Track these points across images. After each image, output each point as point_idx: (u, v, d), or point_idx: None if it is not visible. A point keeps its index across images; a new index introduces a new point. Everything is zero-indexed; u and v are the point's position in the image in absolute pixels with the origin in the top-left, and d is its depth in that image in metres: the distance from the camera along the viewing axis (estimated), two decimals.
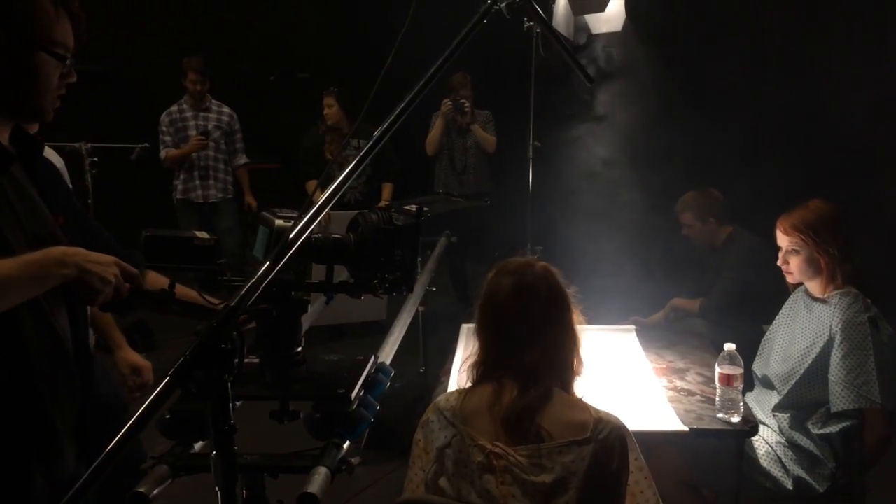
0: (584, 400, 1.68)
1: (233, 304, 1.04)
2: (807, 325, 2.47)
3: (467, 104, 5.22)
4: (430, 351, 3.96)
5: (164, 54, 5.51)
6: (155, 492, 1.28)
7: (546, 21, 1.59)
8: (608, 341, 2.87)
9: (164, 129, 5.27)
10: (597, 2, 2.41)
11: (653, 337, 3.03)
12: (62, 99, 1.49)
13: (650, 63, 3.55)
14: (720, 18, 5.43)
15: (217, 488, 1.08)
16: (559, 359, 1.68)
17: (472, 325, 1.83)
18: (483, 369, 1.73)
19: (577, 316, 1.74)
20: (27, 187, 1.48)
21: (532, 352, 1.65)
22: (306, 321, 1.59)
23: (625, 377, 2.51)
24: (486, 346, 1.73)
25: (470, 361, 1.77)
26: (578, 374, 1.73)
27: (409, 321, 2.39)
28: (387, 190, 5.28)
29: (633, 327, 3.00)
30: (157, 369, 4.92)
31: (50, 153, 2.27)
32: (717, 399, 2.25)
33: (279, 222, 1.43)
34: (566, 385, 1.69)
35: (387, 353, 2.00)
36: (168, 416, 1.39)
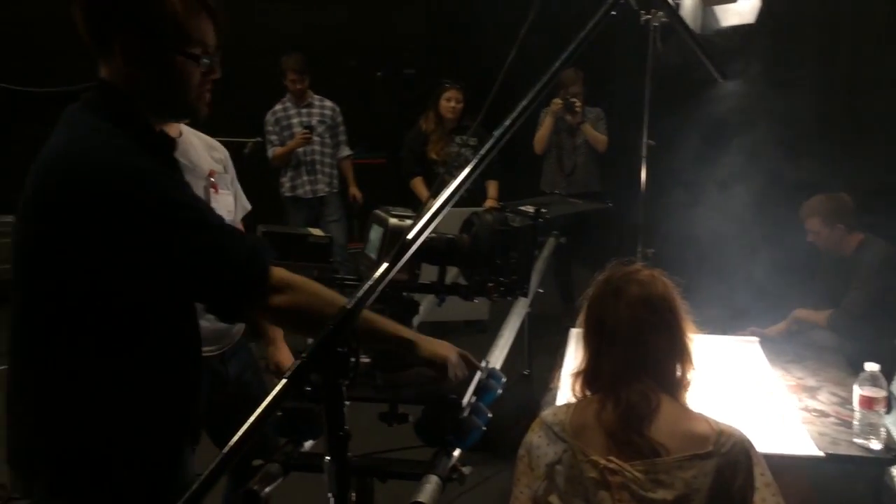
0: (702, 412, 1.58)
1: (350, 306, 1.01)
2: None
3: (578, 103, 5.07)
4: (534, 353, 3.88)
5: (273, 52, 5.64)
6: (267, 490, 1.28)
7: (675, 11, 1.50)
8: (729, 352, 2.71)
9: (270, 128, 5.39)
10: None
11: (777, 350, 2.84)
12: None
13: (784, 56, 3.33)
14: (859, 5, 5.06)
15: (329, 494, 1.06)
16: (655, 366, 1.60)
17: (580, 331, 1.77)
18: (588, 378, 1.66)
19: (687, 325, 1.64)
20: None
21: (611, 357, 1.59)
22: (415, 321, 1.56)
23: (749, 392, 2.35)
24: (587, 354, 1.68)
25: (576, 370, 1.70)
26: (687, 384, 1.63)
27: (518, 324, 2.33)
28: (492, 187, 5.21)
29: (755, 338, 2.83)
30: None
31: (216, 144, 2.36)
32: (856, 423, 2.08)
33: (393, 221, 1.40)
34: (674, 395, 1.60)
35: (497, 358, 1.95)
36: (280, 414, 1.39)
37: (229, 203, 2.27)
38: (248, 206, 2.43)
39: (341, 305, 1.11)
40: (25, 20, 6.43)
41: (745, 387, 2.40)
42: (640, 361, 1.58)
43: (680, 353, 1.61)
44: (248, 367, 2.31)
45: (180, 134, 2.18)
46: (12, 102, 6.40)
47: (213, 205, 2.20)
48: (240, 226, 2.40)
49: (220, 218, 1.37)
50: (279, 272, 1.34)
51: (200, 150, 2.17)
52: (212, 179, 2.20)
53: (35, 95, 6.33)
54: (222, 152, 2.35)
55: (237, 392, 2.22)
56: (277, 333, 2.37)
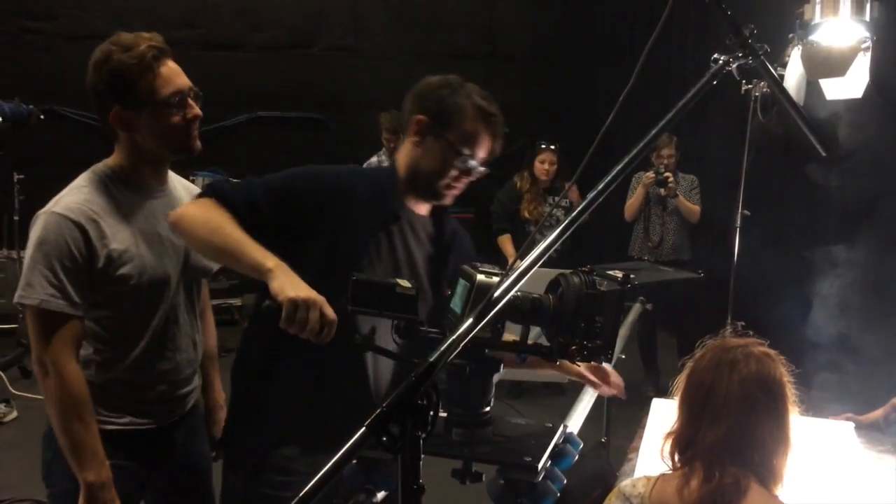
0: None
1: (432, 359, 1.01)
2: None
3: (671, 179, 4.97)
4: (612, 420, 3.78)
5: (376, 105, 5.86)
6: None
7: (780, 84, 1.47)
8: (821, 436, 2.56)
9: None
10: (837, 65, 2.22)
11: (873, 439, 2.67)
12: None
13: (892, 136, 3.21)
14: None
15: None
16: (757, 451, 1.52)
17: (665, 400, 1.71)
18: (681, 445, 1.59)
19: (793, 413, 1.56)
20: (417, 254, 1.79)
21: (714, 429, 1.51)
22: (495, 378, 1.55)
23: (843, 483, 2.21)
24: (682, 423, 1.60)
25: (670, 431, 1.63)
26: (782, 476, 1.55)
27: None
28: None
29: (849, 423, 2.67)
30: None
31: (194, 189, 2.38)
32: None
33: (481, 278, 1.41)
34: (765, 484, 1.52)
35: (575, 422, 1.92)
36: (354, 462, 1.40)
37: None
38: None
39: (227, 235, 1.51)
40: None
41: (836, 475, 2.26)
42: (741, 442, 1.51)
43: (783, 442, 1.54)
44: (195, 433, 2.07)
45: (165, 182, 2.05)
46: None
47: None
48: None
49: (275, 192, 1.67)
50: (207, 200, 1.63)
51: (182, 193, 2.01)
52: None
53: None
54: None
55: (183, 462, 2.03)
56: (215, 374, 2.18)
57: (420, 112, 1.73)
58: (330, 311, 1.43)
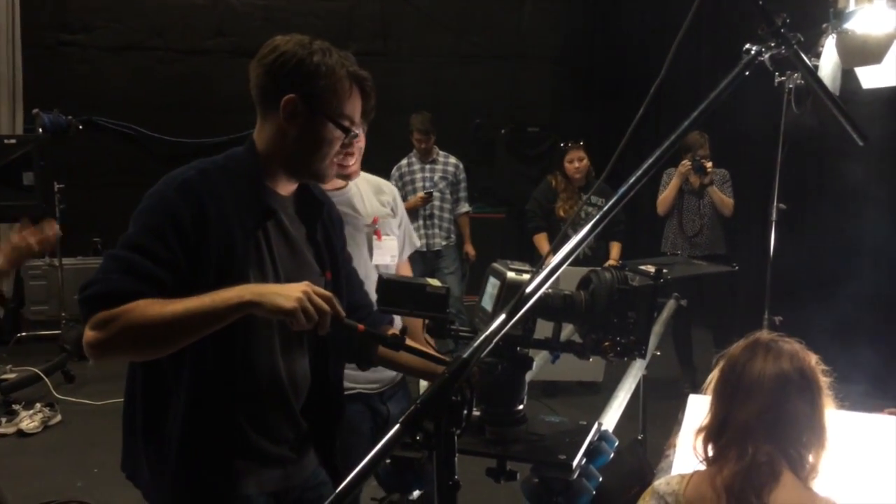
0: (830, 498, 1.49)
1: (465, 356, 1.02)
2: None
3: (709, 164, 4.92)
4: (649, 417, 3.74)
5: (404, 108, 5.88)
6: None
7: (815, 73, 1.45)
8: (859, 430, 2.51)
9: (394, 182, 5.60)
10: (874, 53, 2.18)
11: None
12: None
13: None
14: None
15: None
16: (791, 432, 1.52)
17: (702, 396, 1.70)
18: (714, 433, 1.59)
19: (828, 407, 1.55)
20: (297, 239, 1.66)
21: (748, 406, 1.51)
22: (528, 377, 1.54)
23: (885, 480, 2.17)
24: (714, 409, 1.61)
25: (701, 425, 1.63)
26: (816, 469, 1.54)
27: (633, 387, 2.27)
28: (615, 249, 5.14)
29: (892, 417, 2.61)
30: None
31: (384, 187, 2.40)
32: None
33: (511, 275, 1.40)
34: (799, 474, 1.51)
35: (610, 420, 1.90)
36: (388, 462, 1.40)
37: (393, 248, 2.29)
38: (418, 243, 2.46)
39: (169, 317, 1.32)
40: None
41: (877, 472, 2.21)
42: (775, 420, 1.51)
43: (816, 431, 1.53)
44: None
45: (345, 186, 2.20)
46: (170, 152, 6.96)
47: (376, 251, 2.24)
48: (406, 266, 2.43)
49: (148, 249, 1.44)
50: (107, 313, 1.39)
51: (368, 195, 2.21)
52: (375, 226, 2.24)
53: (192, 146, 6.88)
54: (390, 194, 2.38)
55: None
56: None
57: (288, 91, 1.52)
58: (322, 291, 1.43)
